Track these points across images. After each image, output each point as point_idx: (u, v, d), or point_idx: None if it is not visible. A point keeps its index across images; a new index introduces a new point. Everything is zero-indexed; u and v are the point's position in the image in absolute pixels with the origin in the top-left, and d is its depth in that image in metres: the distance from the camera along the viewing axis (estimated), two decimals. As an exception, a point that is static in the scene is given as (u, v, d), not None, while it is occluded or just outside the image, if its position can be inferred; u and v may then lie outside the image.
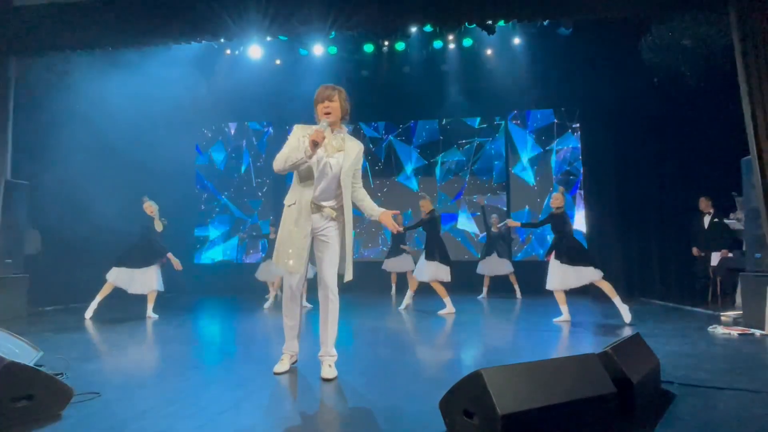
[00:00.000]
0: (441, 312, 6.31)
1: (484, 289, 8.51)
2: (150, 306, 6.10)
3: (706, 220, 7.24)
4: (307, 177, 3.07)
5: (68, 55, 6.54)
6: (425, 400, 2.52)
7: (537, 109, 10.08)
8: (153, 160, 9.04)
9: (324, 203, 3.09)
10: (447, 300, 6.39)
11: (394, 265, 8.68)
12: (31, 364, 2.58)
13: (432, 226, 6.58)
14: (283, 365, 3.20)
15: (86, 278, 6.32)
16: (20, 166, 6.67)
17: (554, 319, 5.53)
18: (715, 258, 6.97)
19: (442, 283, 6.46)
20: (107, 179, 7.62)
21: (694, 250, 7.37)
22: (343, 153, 3.09)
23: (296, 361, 3.34)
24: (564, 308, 5.52)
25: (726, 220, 6.96)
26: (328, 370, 3.07)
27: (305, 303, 6.31)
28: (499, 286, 8.67)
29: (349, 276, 3.14)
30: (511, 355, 3.82)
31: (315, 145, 2.88)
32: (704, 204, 7.29)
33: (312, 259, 3.18)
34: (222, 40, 6.53)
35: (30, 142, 7.03)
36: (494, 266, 8.42)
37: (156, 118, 9.07)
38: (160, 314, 6.16)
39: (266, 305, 7.40)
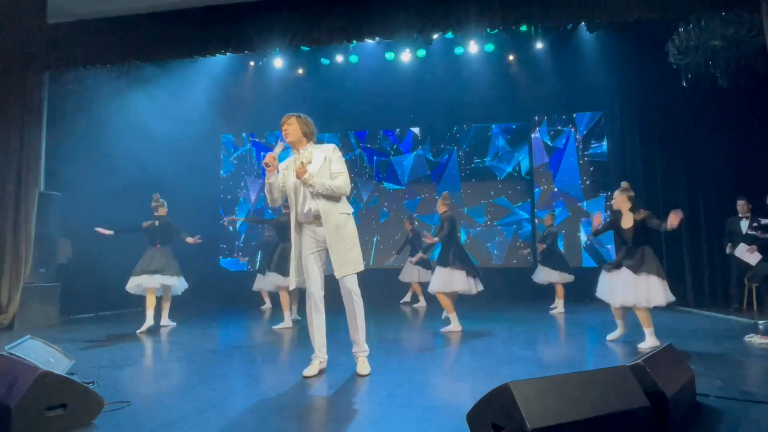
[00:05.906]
0: (445, 329, 5.46)
1: (560, 302, 7.29)
2: (164, 310, 6.04)
3: (744, 224, 6.86)
4: (292, 202, 3.42)
5: (99, 69, 6.74)
6: (453, 413, 2.49)
7: (562, 113, 9.95)
8: (181, 168, 9.20)
9: (311, 219, 3.35)
10: (453, 315, 5.51)
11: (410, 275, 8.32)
12: (64, 373, 2.64)
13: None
14: (312, 369, 3.36)
15: (115, 287, 6.43)
16: (53, 177, 6.87)
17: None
18: (748, 255, 6.46)
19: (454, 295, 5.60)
20: (137, 189, 7.78)
21: (728, 248, 6.86)
22: (311, 164, 3.36)
23: (325, 368, 3.48)
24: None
25: (749, 231, 6.63)
26: (362, 367, 3.37)
27: (295, 316, 6.34)
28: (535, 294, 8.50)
29: (359, 267, 3.37)
30: (540, 368, 3.74)
31: (267, 165, 3.24)
32: (743, 207, 6.88)
33: (329, 267, 3.44)
34: (245, 53, 6.63)
35: (62, 154, 7.23)
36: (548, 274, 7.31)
37: (184, 128, 9.24)
38: (186, 322, 6.22)
39: (264, 308, 8.30)
